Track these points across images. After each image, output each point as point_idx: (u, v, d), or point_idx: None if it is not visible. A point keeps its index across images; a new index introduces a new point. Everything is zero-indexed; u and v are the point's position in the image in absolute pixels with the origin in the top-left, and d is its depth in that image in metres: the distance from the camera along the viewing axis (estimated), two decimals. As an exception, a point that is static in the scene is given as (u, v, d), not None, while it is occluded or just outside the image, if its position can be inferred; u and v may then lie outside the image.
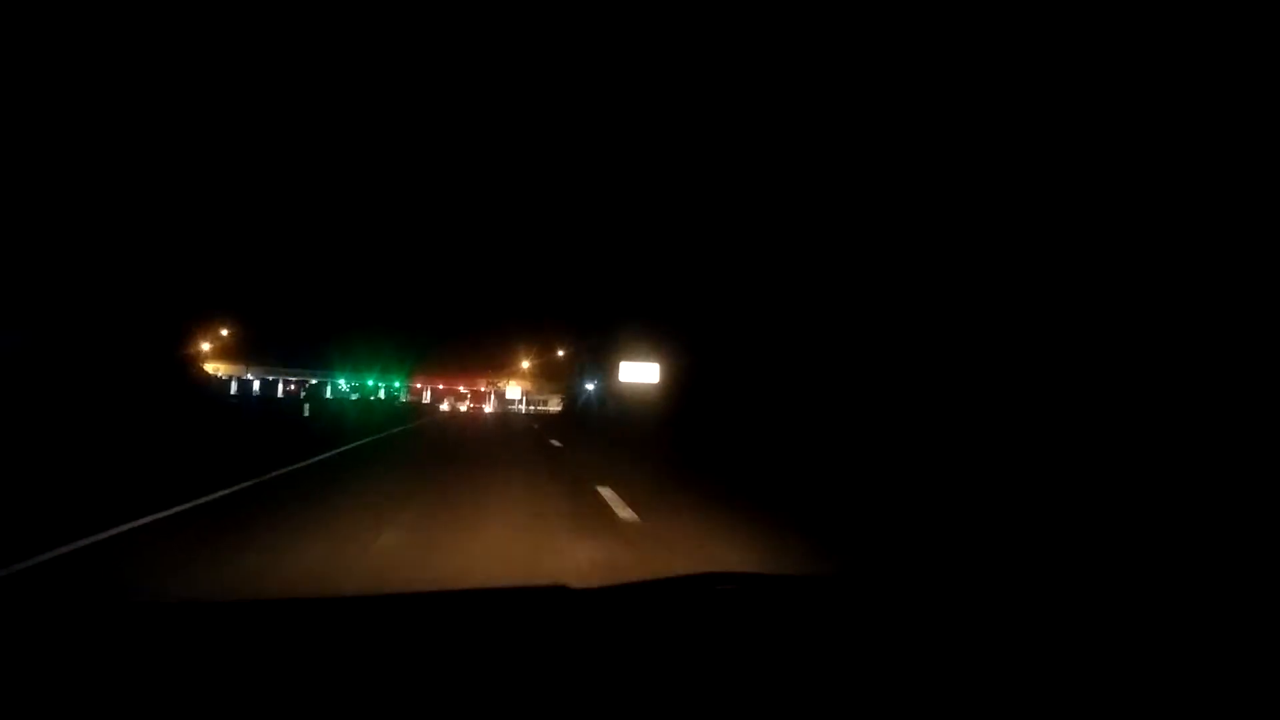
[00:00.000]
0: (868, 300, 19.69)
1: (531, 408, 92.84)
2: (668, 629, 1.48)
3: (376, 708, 1.11)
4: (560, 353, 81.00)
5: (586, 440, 21.92)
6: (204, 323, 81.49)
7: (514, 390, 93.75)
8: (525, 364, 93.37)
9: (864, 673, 1.28)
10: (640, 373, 27.64)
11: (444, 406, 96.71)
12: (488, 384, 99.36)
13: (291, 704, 1.13)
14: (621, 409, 34.59)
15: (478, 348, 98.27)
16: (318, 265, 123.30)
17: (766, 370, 25.67)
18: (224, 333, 78.93)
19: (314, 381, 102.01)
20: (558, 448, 18.21)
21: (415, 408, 77.87)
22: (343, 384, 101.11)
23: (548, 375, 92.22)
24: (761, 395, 24.73)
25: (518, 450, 17.40)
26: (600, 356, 42.25)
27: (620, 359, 29.19)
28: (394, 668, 1.24)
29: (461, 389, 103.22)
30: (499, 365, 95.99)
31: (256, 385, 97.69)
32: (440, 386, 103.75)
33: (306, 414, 36.90)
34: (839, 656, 1.36)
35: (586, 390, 76.40)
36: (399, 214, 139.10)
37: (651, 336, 30.48)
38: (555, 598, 1.69)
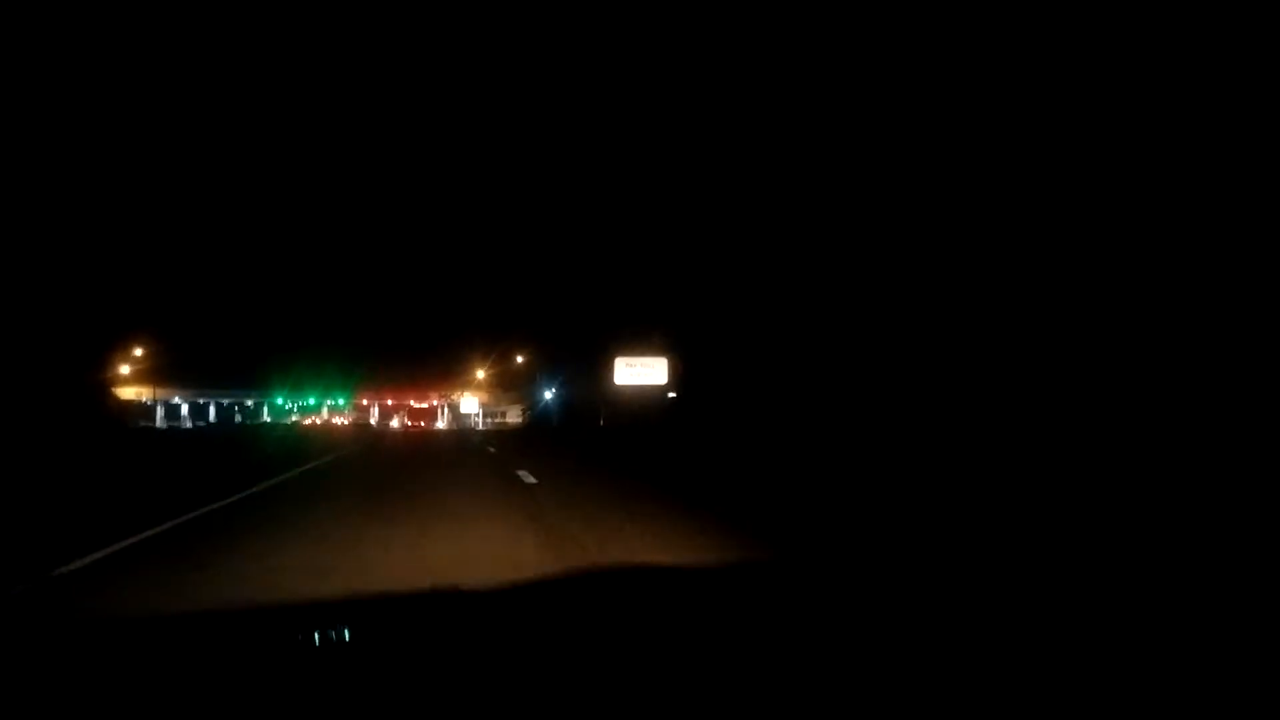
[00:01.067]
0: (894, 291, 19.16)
1: (489, 420, 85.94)
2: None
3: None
4: (520, 359, 74.35)
5: (580, 474, 15.17)
6: (121, 342, 73.55)
7: (470, 403, 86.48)
8: (480, 374, 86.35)
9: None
10: (642, 372, 20.64)
11: (394, 424, 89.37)
12: (440, 397, 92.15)
13: None
14: (616, 417, 28.78)
15: (428, 359, 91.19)
16: (251, 276, 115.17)
17: (789, 368, 21.00)
18: (138, 352, 70.49)
19: (250, 403, 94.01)
20: (532, 488, 11.91)
21: (334, 431, 69.77)
22: (280, 403, 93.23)
23: (505, 384, 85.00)
24: (788, 398, 19.94)
25: (473, 511, 9.25)
26: (584, 355, 36.51)
27: (616, 356, 21.85)
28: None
29: (412, 403, 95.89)
30: (452, 376, 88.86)
31: (185, 409, 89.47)
32: (389, 402, 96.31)
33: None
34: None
35: (544, 399, 70.05)
36: (338, 218, 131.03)
37: (657, 329, 24.56)
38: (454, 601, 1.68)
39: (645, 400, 26.18)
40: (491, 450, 21.96)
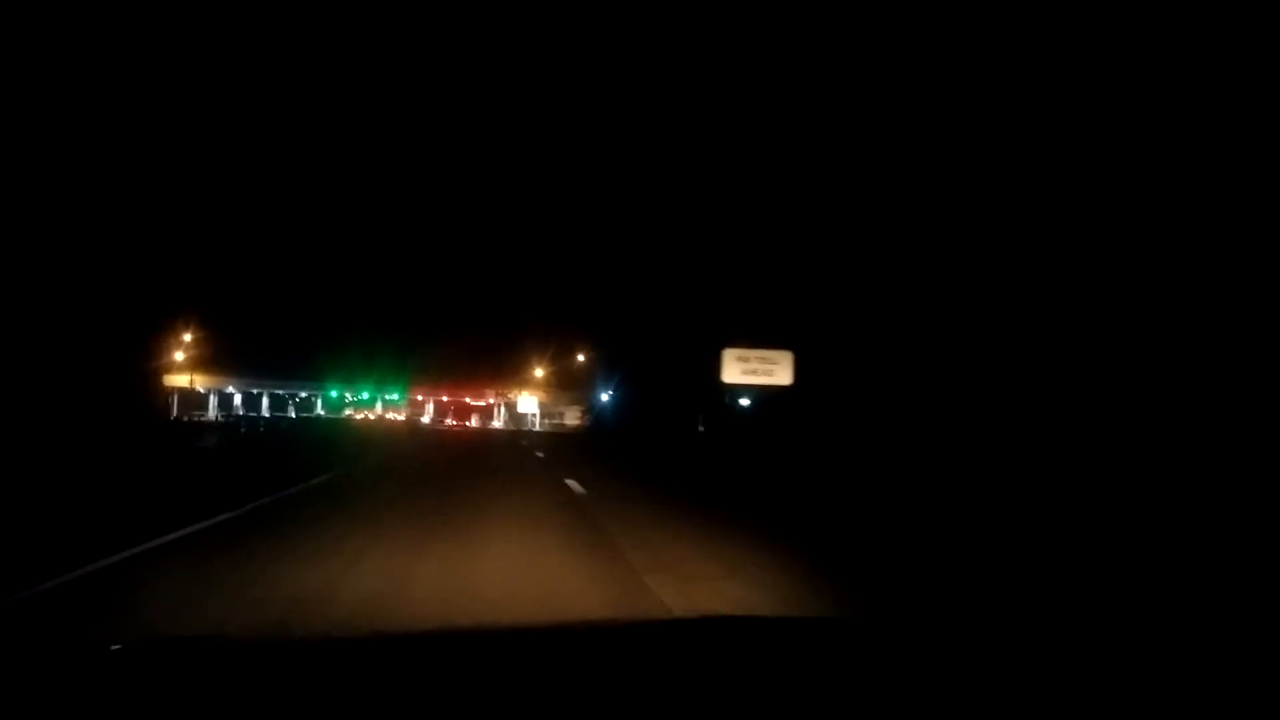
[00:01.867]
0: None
1: (546, 421, 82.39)
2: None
3: None
4: (580, 357, 70.55)
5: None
6: (173, 330, 71.53)
7: (528, 402, 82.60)
8: (539, 372, 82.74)
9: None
10: (759, 368, 15.93)
11: (448, 421, 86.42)
12: (496, 395, 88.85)
13: None
14: (722, 422, 24.55)
15: (485, 355, 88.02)
16: (309, 267, 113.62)
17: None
18: (186, 338, 68.06)
19: (303, 394, 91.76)
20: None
21: (388, 431, 66.72)
22: (335, 395, 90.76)
23: (565, 384, 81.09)
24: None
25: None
26: (666, 349, 32.34)
27: (725, 348, 16.96)
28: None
29: (468, 400, 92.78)
30: (509, 374, 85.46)
31: (238, 399, 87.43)
32: (444, 399, 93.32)
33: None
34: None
35: (603, 400, 66.22)
36: (397, 211, 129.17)
37: (771, 319, 20.20)
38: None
39: (761, 402, 21.95)
40: (571, 482, 18.02)
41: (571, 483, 13.16)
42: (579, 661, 1.55)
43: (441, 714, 1.27)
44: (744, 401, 53.38)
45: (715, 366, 18.39)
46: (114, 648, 1.54)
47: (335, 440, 33.88)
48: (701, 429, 33.13)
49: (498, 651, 1.65)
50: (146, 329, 53.30)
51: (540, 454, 23.58)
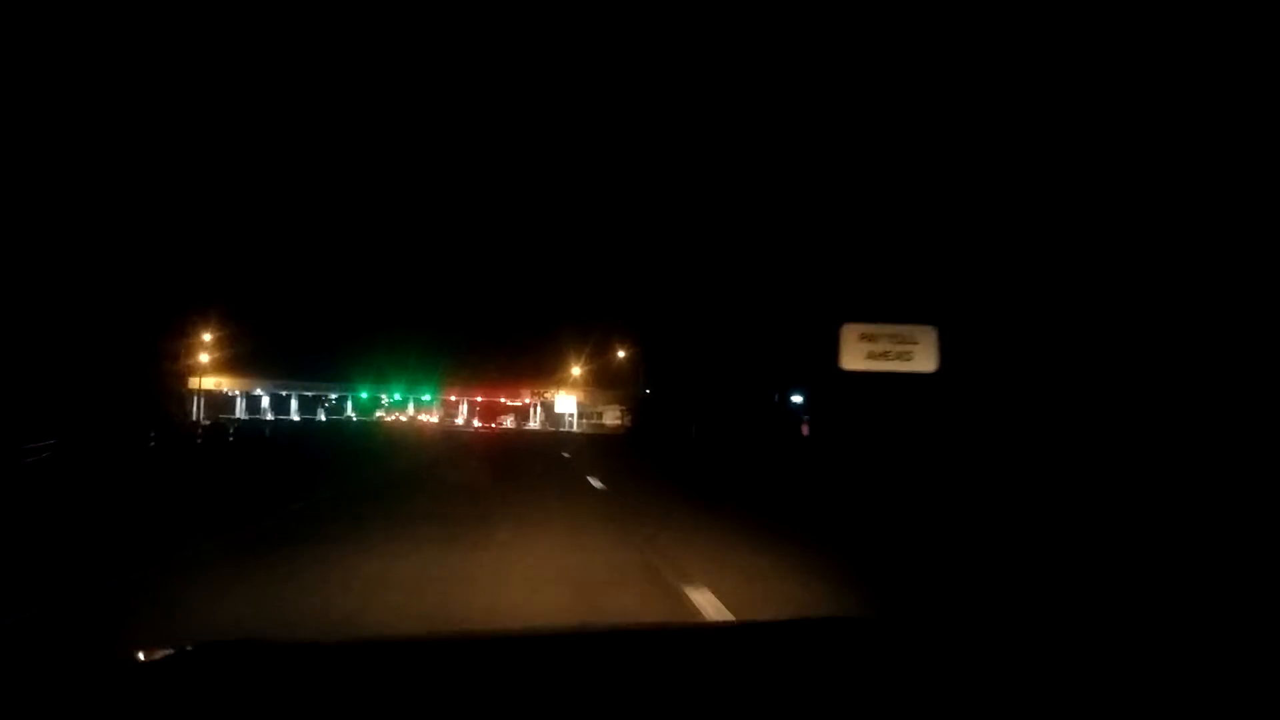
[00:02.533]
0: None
1: (584, 422, 78.42)
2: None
3: None
4: (621, 353, 66.44)
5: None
6: (198, 331, 68.50)
7: (566, 401, 78.45)
8: (576, 370, 78.71)
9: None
10: (889, 350, 11.70)
11: (476, 424, 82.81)
12: (532, 394, 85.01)
13: None
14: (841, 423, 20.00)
15: (520, 353, 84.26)
16: (340, 267, 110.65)
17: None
18: (206, 338, 64.85)
19: (333, 396, 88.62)
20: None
21: (423, 431, 63.42)
22: (365, 397, 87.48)
23: (603, 383, 76.87)
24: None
25: None
26: (723, 343, 28.20)
27: (845, 325, 12.75)
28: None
29: (503, 400, 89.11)
30: (547, 372, 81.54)
31: (266, 401, 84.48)
32: (478, 399, 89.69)
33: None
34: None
35: (645, 399, 62.13)
36: (429, 209, 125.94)
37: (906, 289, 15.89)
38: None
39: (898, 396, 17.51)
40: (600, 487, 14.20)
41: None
42: (615, 666, 1.58)
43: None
44: (796, 399, 48.56)
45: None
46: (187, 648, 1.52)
47: (346, 448, 30.08)
48: (805, 433, 28.97)
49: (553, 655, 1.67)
50: (159, 328, 50.20)
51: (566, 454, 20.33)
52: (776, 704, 1.33)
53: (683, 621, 4.53)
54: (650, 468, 21.66)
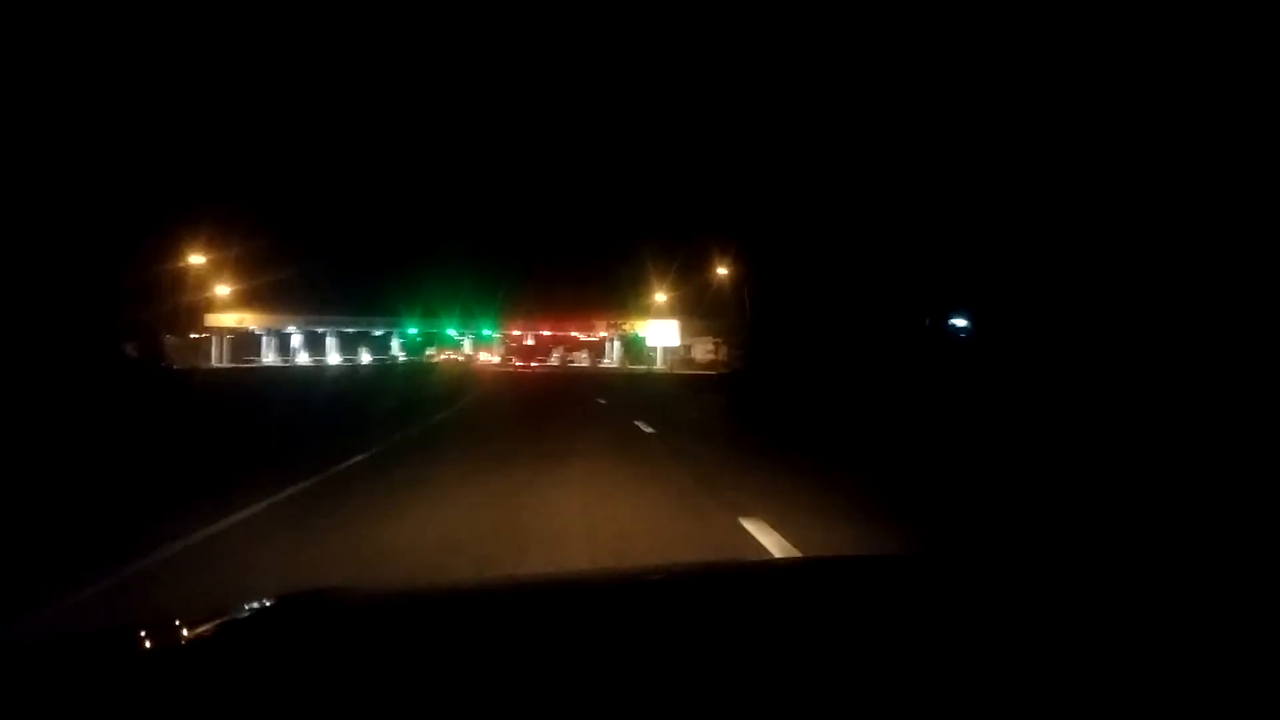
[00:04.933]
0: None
1: (672, 357, 64.88)
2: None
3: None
4: (722, 270, 52.59)
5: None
6: (215, 255, 56.45)
7: (663, 330, 62.71)
8: (660, 296, 64.95)
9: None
10: None
11: (517, 362, 69.74)
12: (609, 325, 71.52)
13: None
14: None
15: (590, 279, 70.76)
16: (384, 183, 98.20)
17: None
18: (198, 257, 52.49)
19: (377, 333, 76.35)
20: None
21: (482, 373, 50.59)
22: (413, 333, 74.95)
23: (694, 310, 62.35)
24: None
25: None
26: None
27: None
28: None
29: (575, 334, 75.92)
30: (624, 301, 67.82)
31: (297, 340, 72.53)
32: (545, 332, 76.65)
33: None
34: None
35: (757, 328, 48.00)
36: (484, 114, 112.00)
37: None
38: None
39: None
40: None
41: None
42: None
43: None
44: (959, 322, 39.12)
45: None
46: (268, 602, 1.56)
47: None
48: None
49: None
50: (129, 248, 38.21)
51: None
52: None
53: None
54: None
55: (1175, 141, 19.47)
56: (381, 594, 1.83)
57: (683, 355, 65.17)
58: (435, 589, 2.28)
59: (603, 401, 22.15)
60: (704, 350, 63.85)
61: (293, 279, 64.97)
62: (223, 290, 63.50)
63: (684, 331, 65.28)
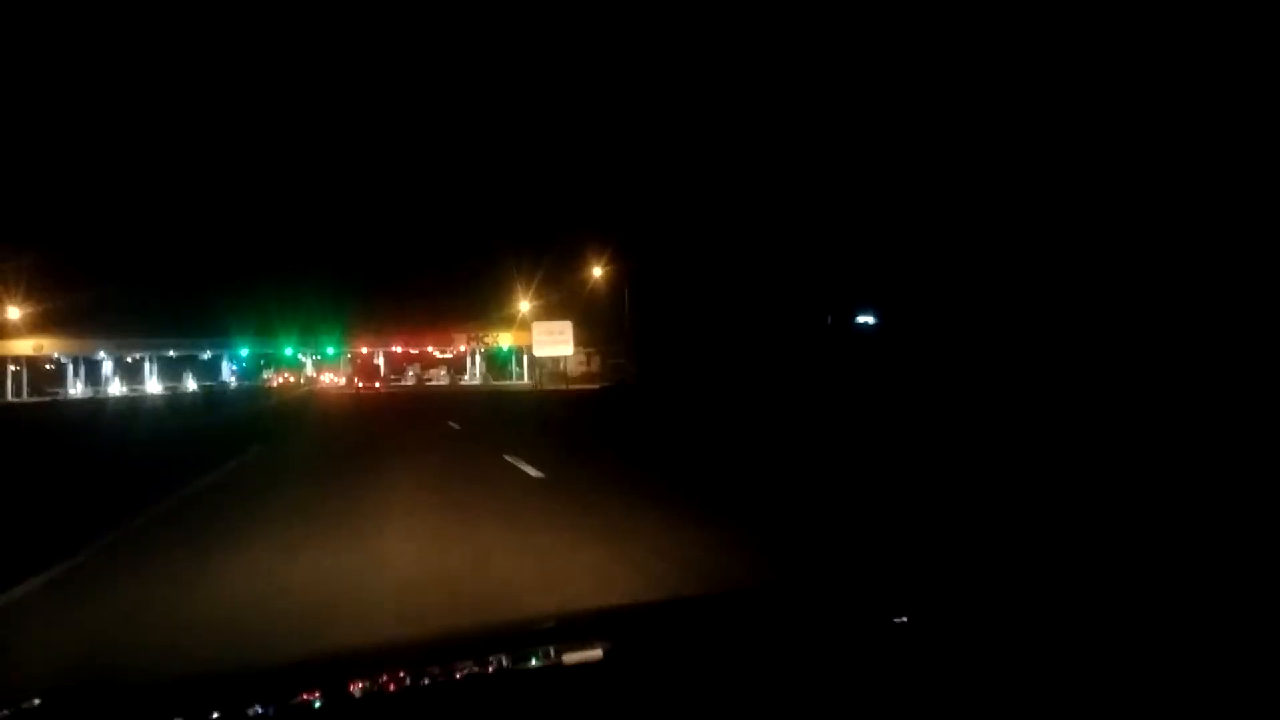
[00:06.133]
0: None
1: (539, 372, 60.48)
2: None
3: None
4: (598, 271, 48.75)
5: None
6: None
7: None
8: (525, 305, 60.38)
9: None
10: None
11: (409, 378, 63.98)
12: (469, 339, 66.22)
13: None
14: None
15: (448, 289, 65.57)
16: (206, 192, 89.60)
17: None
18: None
19: (204, 357, 68.27)
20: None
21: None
22: (247, 355, 67.36)
23: (563, 318, 57.15)
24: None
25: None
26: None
27: None
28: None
29: (431, 349, 70.21)
30: (485, 312, 62.92)
31: (108, 367, 63.81)
32: (397, 349, 70.56)
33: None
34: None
35: (642, 337, 43.99)
36: (320, 117, 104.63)
37: None
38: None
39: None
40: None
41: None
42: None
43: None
44: (866, 319, 37.11)
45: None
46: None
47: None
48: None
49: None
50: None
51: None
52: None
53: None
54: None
55: (1082, 122, 19.66)
56: (159, 687, 1.75)
57: (551, 369, 60.59)
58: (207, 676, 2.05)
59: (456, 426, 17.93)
60: (575, 362, 59.47)
61: (103, 297, 56.76)
62: (13, 313, 54.69)
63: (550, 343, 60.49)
